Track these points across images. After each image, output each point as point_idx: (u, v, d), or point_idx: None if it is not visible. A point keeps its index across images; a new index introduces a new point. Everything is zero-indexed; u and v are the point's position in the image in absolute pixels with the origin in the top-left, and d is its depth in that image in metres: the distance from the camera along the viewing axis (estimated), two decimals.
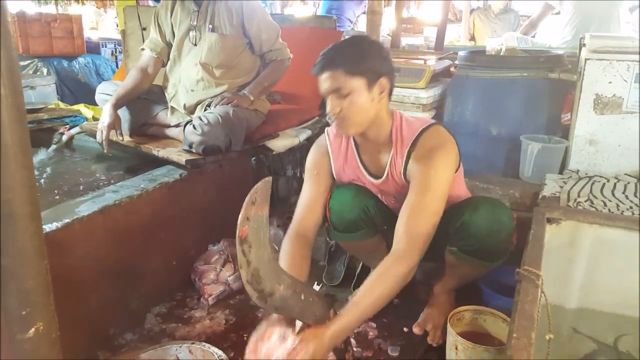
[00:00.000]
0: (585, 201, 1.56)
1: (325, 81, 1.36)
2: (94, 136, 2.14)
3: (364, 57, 1.33)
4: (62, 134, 2.42)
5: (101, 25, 6.61)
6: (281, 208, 2.58)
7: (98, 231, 1.55)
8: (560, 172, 1.98)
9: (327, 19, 3.27)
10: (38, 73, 4.16)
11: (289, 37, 2.33)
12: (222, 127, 1.95)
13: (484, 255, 1.48)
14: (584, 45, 1.99)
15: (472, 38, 5.21)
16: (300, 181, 2.80)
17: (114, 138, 2.03)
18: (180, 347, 1.50)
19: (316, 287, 1.87)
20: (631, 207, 1.51)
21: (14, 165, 0.66)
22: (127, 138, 2.11)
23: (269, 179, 1.08)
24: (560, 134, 2.22)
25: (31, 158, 0.70)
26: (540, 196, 1.65)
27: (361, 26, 4.88)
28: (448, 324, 1.41)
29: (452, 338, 1.38)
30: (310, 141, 2.55)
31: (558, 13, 4.06)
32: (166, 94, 2.24)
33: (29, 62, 4.18)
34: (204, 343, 1.46)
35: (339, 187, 1.59)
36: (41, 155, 2.30)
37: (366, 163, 1.58)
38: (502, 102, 2.31)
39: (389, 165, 1.50)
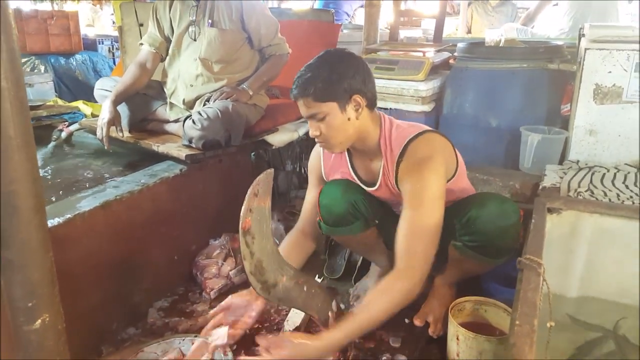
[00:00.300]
0: (586, 191, 1.56)
1: (300, 107, 1.39)
2: (93, 133, 2.14)
3: (331, 80, 1.33)
4: (61, 130, 2.42)
5: (97, 22, 6.58)
6: (281, 202, 2.58)
7: (99, 226, 1.55)
8: (560, 163, 1.98)
9: (324, 13, 3.26)
10: (35, 70, 4.15)
11: (286, 31, 2.32)
12: (221, 121, 1.95)
13: (489, 251, 1.47)
14: (584, 35, 1.99)
15: (469, 31, 5.20)
16: (300, 176, 2.82)
17: (114, 134, 2.03)
18: (183, 340, 1.51)
19: (317, 280, 1.88)
20: (631, 197, 1.51)
21: (17, 157, 0.66)
22: (126, 134, 2.11)
23: (271, 170, 1.09)
24: (560, 124, 2.22)
25: (34, 150, 0.70)
26: (540, 187, 1.66)
27: (359, 19, 4.87)
28: (449, 315, 1.42)
29: (453, 328, 1.39)
30: (309, 136, 2.55)
31: (556, 4, 4.06)
32: (165, 89, 2.24)
33: (26, 59, 4.16)
34: (206, 336, 1.46)
35: (329, 183, 1.61)
36: (41, 152, 2.30)
37: (359, 171, 1.59)
38: (502, 94, 2.31)
39: (382, 174, 1.50)
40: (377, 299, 1.28)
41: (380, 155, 1.48)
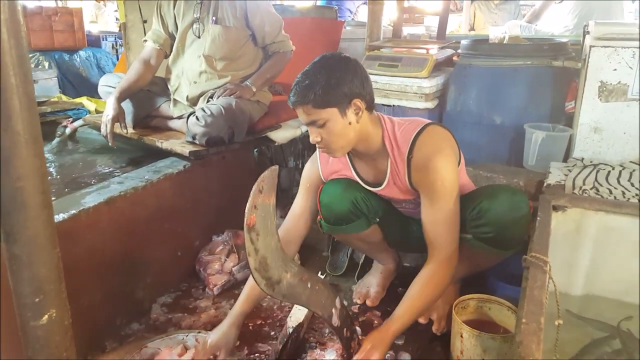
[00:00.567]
0: (591, 189, 1.56)
1: (300, 115, 1.38)
2: (97, 129, 2.14)
3: (330, 86, 1.32)
4: (66, 126, 2.42)
5: (101, 18, 6.59)
6: (283, 199, 2.58)
7: (104, 222, 1.56)
8: (565, 161, 1.98)
9: (327, 10, 3.26)
10: (39, 67, 4.15)
11: (290, 28, 2.32)
12: (225, 118, 1.95)
13: (500, 242, 1.48)
14: (588, 32, 1.98)
15: (472, 28, 5.18)
16: (302, 173, 2.82)
17: (118, 130, 2.03)
18: (187, 336, 1.51)
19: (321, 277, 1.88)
20: (637, 195, 1.51)
21: (25, 153, 0.67)
22: (130, 130, 2.11)
23: (276, 167, 1.09)
24: (564, 122, 2.21)
25: (42, 146, 0.70)
26: (545, 184, 1.65)
27: (361, 16, 4.86)
28: (453, 312, 1.42)
29: (457, 326, 1.39)
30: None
31: (560, 2, 4.04)
32: (169, 86, 2.24)
33: (30, 55, 4.16)
34: (210, 332, 1.47)
35: (330, 182, 1.60)
36: (45, 148, 2.30)
37: (361, 173, 1.58)
38: (506, 91, 2.30)
39: (390, 173, 1.50)
40: (422, 288, 1.41)
41: (385, 154, 1.48)
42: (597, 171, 1.75)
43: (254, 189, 1.03)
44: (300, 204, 1.63)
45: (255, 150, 2.51)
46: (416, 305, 1.40)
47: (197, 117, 1.94)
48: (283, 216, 2.30)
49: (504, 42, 2.56)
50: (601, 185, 1.60)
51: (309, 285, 1.21)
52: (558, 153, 2.02)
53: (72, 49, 4.45)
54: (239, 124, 2.02)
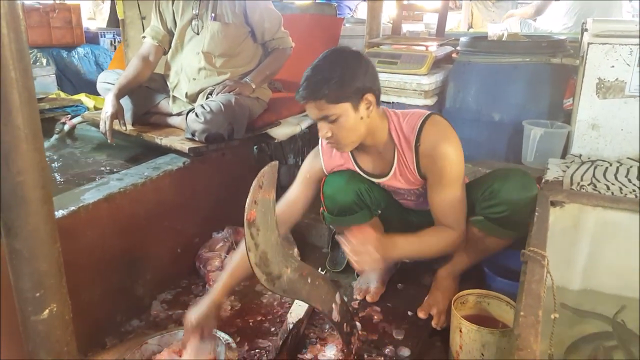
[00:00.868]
0: (589, 185, 1.57)
1: (310, 110, 1.37)
2: (96, 126, 2.14)
3: (344, 81, 1.32)
4: (64, 123, 2.42)
5: (99, 15, 6.56)
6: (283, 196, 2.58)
7: (103, 219, 1.56)
8: (563, 157, 1.99)
9: (327, 6, 3.26)
10: (37, 63, 4.14)
11: (289, 25, 2.32)
12: (224, 115, 1.95)
13: (510, 222, 1.51)
14: (586, 29, 1.98)
15: (470, 26, 5.19)
16: None
17: (117, 127, 2.03)
18: None
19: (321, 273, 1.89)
20: (634, 191, 1.51)
21: (25, 147, 0.67)
22: (129, 127, 2.11)
23: (276, 163, 1.09)
24: (563, 119, 2.22)
25: (42, 141, 0.70)
26: (543, 180, 1.66)
27: (361, 13, 4.85)
28: (452, 307, 1.42)
29: (456, 321, 1.39)
30: (311, 129, 2.55)
31: None
32: (168, 83, 2.24)
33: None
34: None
35: (333, 174, 1.61)
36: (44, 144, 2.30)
37: (363, 166, 1.59)
38: (504, 88, 2.31)
39: (397, 164, 1.52)
40: (431, 235, 1.50)
41: (391, 146, 1.50)
42: (595, 167, 1.75)
43: (254, 184, 1.03)
44: (296, 192, 1.61)
45: (255, 147, 2.51)
46: (419, 240, 1.47)
47: (196, 113, 1.94)
48: None
49: (503, 39, 2.57)
50: (599, 182, 1.60)
51: (309, 281, 1.22)
52: (556, 149, 2.03)
53: (70, 45, 4.44)
54: (238, 120, 2.02)
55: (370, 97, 1.37)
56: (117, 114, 2.00)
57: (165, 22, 2.20)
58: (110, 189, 1.61)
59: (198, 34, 2.14)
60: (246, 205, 1.02)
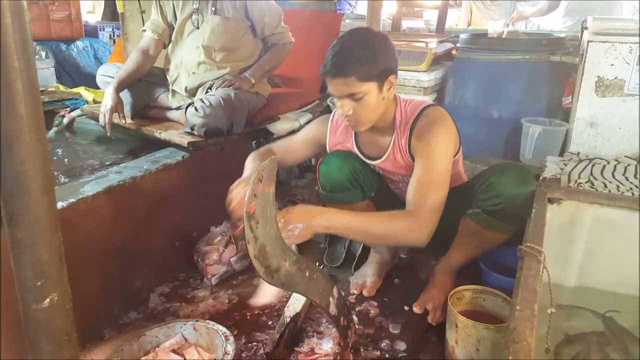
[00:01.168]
0: (586, 182, 1.58)
1: (337, 86, 1.37)
2: (95, 119, 2.14)
3: (375, 60, 1.34)
4: (63, 116, 2.42)
5: (98, 8, 6.54)
6: (281, 191, 2.59)
7: (102, 211, 1.56)
8: (561, 155, 2.00)
9: (327, 2, 3.25)
10: (36, 56, 4.13)
11: (289, 20, 2.32)
12: (223, 109, 1.95)
13: (506, 216, 1.51)
14: (586, 27, 1.99)
15: (469, 24, 5.20)
16: (300, 165, 2.83)
17: (117, 121, 2.03)
18: (185, 324, 1.52)
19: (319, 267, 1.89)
20: (631, 189, 1.53)
21: (28, 137, 0.67)
22: (128, 120, 2.11)
23: (275, 157, 1.10)
24: (561, 116, 2.23)
25: (44, 130, 0.70)
26: (541, 178, 1.67)
27: (361, 9, 4.85)
28: (448, 303, 1.43)
29: (452, 316, 1.40)
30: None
31: None
32: (168, 77, 2.24)
33: None
34: (208, 321, 1.48)
35: (330, 153, 1.65)
36: None
37: (362, 147, 1.63)
38: (504, 85, 2.32)
39: (392, 147, 1.55)
40: (378, 216, 1.41)
41: (391, 129, 1.53)
42: (593, 165, 1.77)
43: (253, 177, 1.04)
44: (295, 144, 1.69)
45: (254, 142, 2.52)
46: (358, 224, 1.34)
47: (195, 108, 1.94)
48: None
49: (503, 36, 2.57)
50: (596, 179, 1.62)
51: (307, 274, 1.23)
52: (554, 147, 2.04)
53: (69, 38, 4.42)
54: (237, 115, 2.02)
55: (392, 79, 1.41)
56: (117, 107, 2.00)
57: (165, 16, 2.20)
58: (110, 181, 1.61)
59: (198, 28, 2.14)
60: (246, 198, 1.02)
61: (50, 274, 0.75)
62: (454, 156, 1.55)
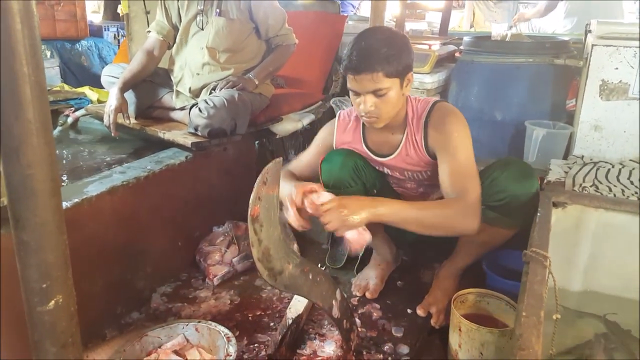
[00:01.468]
0: (591, 186, 1.57)
1: (362, 82, 1.39)
2: (99, 119, 2.14)
3: (400, 57, 1.37)
4: (68, 116, 2.42)
5: (103, 8, 6.55)
6: None
7: (106, 211, 1.56)
8: (565, 158, 1.99)
9: (331, 4, 3.25)
10: (42, 55, 4.13)
11: (293, 22, 2.32)
12: (227, 110, 1.95)
13: (510, 211, 1.50)
14: (590, 31, 1.99)
15: (472, 26, 5.19)
16: None
17: (121, 121, 2.03)
18: (187, 325, 1.52)
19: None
20: (636, 193, 1.52)
21: (35, 141, 0.67)
22: (133, 121, 2.12)
23: (280, 159, 1.10)
24: (565, 119, 2.23)
25: (52, 134, 0.71)
26: (545, 181, 1.67)
27: (364, 11, 4.85)
28: (452, 306, 1.43)
29: (456, 320, 1.40)
30: (313, 125, 2.56)
31: None
32: (172, 77, 2.24)
33: None
34: (210, 321, 1.48)
35: (332, 151, 1.66)
36: None
37: (371, 145, 1.63)
38: (507, 88, 2.32)
39: (404, 142, 1.56)
40: (429, 204, 1.40)
41: (403, 126, 1.55)
42: (597, 169, 1.76)
43: (258, 180, 1.04)
44: (308, 157, 1.69)
45: (257, 142, 2.52)
46: (410, 212, 1.33)
47: (199, 108, 1.94)
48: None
49: (506, 39, 2.57)
50: (601, 183, 1.61)
51: (310, 277, 1.23)
52: (558, 150, 2.04)
53: (74, 38, 4.43)
54: (241, 116, 2.02)
55: (410, 76, 1.45)
56: (122, 107, 2.00)
57: (170, 17, 2.20)
58: (114, 181, 1.62)
59: (203, 29, 2.14)
60: (250, 201, 1.02)
61: (56, 276, 0.76)
62: None
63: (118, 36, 4.81)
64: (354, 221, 1.28)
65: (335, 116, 1.72)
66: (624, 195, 1.51)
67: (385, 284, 1.85)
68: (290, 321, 1.53)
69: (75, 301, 0.82)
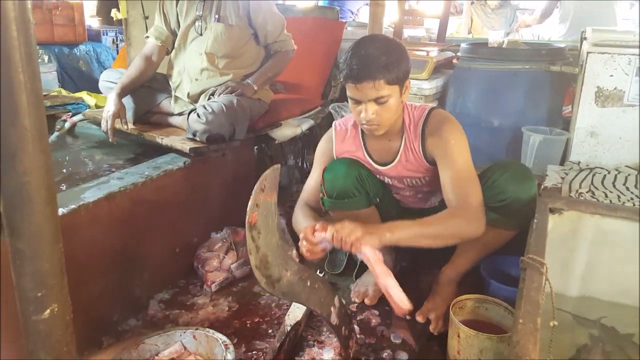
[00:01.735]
0: (587, 192, 1.58)
1: (364, 90, 1.39)
2: (97, 124, 2.14)
3: (399, 64, 1.39)
4: (65, 121, 2.42)
5: (97, 10, 6.55)
6: (283, 197, 2.59)
7: (103, 217, 1.56)
8: (561, 164, 2.00)
9: (329, 10, 3.26)
10: (39, 60, 4.13)
11: (291, 28, 2.33)
12: (226, 116, 1.95)
13: (512, 211, 1.51)
14: (586, 38, 2.00)
15: (469, 32, 5.22)
16: (301, 171, 2.83)
17: (118, 126, 2.03)
18: (185, 332, 1.51)
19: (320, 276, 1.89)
20: (632, 199, 1.53)
21: (31, 149, 0.67)
22: (130, 126, 2.11)
23: (278, 166, 1.10)
24: (562, 126, 2.24)
25: (48, 142, 0.71)
26: (542, 187, 1.67)
27: (363, 17, 4.86)
28: (450, 312, 1.43)
29: (454, 326, 1.40)
30: (312, 131, 2.56)
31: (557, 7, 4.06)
32: (170, 83, 2.24)
33: None
34: (207, 329, 1.47)
35: (334, 160, 1.66)
36: None
37: (372, 153, 1.64)
38: (504, 94, 2.33)
39: (403, 149, 1.57)
40: (433, 219, 1.37)
41: (400, 133, 1.56)
42: (593, 175, 1.77)
43: (256, 187, 1.04)
44: (316, 178, 1.67)
45: (255, 148, 2.52)
46: (419, 229, 1.34)
47: (198, 114, 1.94)
48: (282, 214, 2.32)
49: (503, 46, 2.58)
50: (597, 189, 1.62)
51: (308, 284, 1.23)
52: (555, 156, 2.04)
53: (72, 43, 4.43)
54: (239, 121, 2.02)
55: (408, 83, 1.46)
56: (119, 113, 2.00)
57: (169, 23, 2.21)
58: (111, 187, 1.61)
59: (201, 34, 2.15)
60: (248, 208, 1.02)
61: (51, 285, 0.75)
62: None
63: (116, 41, 4.82)
64: (370, 241, 1.27)
65: (333, 121, 1.73)
66: (619, 201, 1.52)
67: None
68: (288, 328, 1.52)
69: (70, 310, 0.82)
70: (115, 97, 2.01)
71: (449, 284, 1.70)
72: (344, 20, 3.44)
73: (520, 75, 2.29)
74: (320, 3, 4.88)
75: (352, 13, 4.83)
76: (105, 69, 3.42)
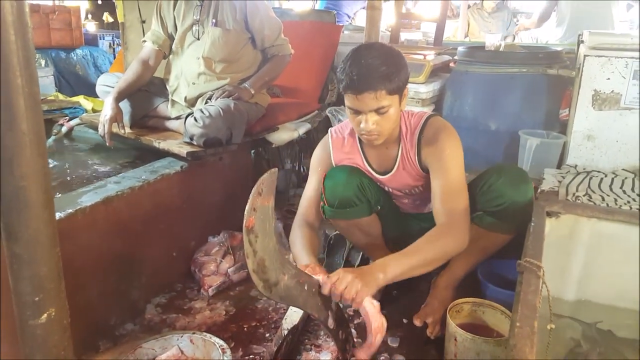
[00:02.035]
0: (584, 195, 1.58)
1: (364, 100, 1.38)
2: (94, 128, 2.14)
3: (399, 73, 1.38)
4: (62, 125, 2.41)
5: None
6: (280, 201, 2.59)
7: (100, 221, 1.56)
8: (558, 167, 2.00)
9: (326, 14, 3.27)
10: (36, 64, 4.13)
11: (288, 32, 2.33)
12: (223, 120, 1.95)
13: (508, 216, 1.52)
14: (583, 41, 2.01)
15: (466, 36, 5.24)
16: (299, 174, 2.83)
17: (115, 130, 2.03)
18: (182, 337, 1.51)
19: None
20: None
21: (29, 153, 0.67)
22: (127, 130, 2.11)
23: (275, 170, 1.10)
24: (559, 129, 2.24)
25: (45, 146, 0.71)
26: (539, 190, 1.68)
27: (360, 21, 4.87)
28: (447, 316, 1.43)
29: (451, 329, 1.40)
30: (309, 135, 2.57)
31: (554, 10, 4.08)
32: (167, 87, 2.25)
33: None
34: (205, 333, 1.47)
35: (334, 168, 1.64)
36: None
37: (372, 162, 1.64)
38: (501, 98, 2.33)
39: (400, 158, 1.57)
40: (422, 245, 1.37)
41: (397, 141, 1.56)
42: (590, 178, 1.77)
43: (253, 191, 1.04)
44: (314, 187, 1.64)
45: (252, 151, 2.52)
46: (409, 261, 1.34)
47: (195, 118, 1.95)
48: (280, 217, 2.32)
49: (500, 49, 2.59)
50: (594, 192, 1.62)
51: (306, 288, 1.22)
52: (552, 160, 2.05)
53: (69, 47, 4.44)
54: (236, 125, 2.02)
55: (406, 91, 1.46)
56: (117, 117, 2.00)
57: (166, 27, 2.21)
58: (108, 191, 1.61)
59: (198, 39, 2.15)
60: (245, 212, 1.02)
61: (49, 289, 0.75)
62: None
63: (113, 45, 4.83)
64: (368, 292, 1.28)
65: (330, 125, 1.73)
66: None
67: (382, 294, 1.84)
68: (285, 332, 1.52)
69: (68, 314, 0.81)
70: (112, 101, 2.01)
71: (446, 288, 1.70)
72: (340, 24, 3.46)
73: (517, 79, 2.30)
74: (317, 7, 4.89)
75: (349, 17, 4.84)
76: (102, 73, 3.42)
